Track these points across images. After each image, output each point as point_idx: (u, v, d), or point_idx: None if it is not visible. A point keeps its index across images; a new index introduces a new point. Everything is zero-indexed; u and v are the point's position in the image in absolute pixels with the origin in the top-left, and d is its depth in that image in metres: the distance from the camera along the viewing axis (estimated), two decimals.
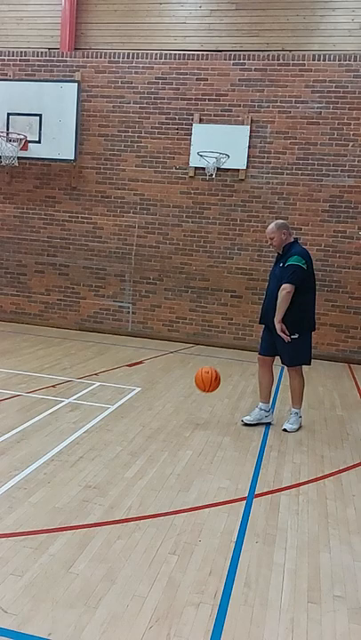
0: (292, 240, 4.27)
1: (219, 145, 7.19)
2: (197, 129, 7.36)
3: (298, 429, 4.31)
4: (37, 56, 7.76)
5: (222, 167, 7.28)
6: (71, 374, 5.47)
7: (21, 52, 7.80)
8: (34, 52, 7.78)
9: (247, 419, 4.35)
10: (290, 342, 4.12)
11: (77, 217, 7.95)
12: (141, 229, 7.78)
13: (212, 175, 7.29)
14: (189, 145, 7.41)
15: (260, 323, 4.48)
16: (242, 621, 2.07)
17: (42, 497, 2.89)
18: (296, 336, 4.13)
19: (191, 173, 7.49)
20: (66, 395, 4.74)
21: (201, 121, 7.38)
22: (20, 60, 7.81)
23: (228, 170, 7.34)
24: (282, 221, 4.32)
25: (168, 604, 2.13)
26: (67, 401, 4.57)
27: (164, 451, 3.68)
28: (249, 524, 2.81)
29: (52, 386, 4.99)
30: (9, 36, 7.96)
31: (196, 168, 7.44)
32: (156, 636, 1.96)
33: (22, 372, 5.36)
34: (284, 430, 4.27)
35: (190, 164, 7.44)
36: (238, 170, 7.32)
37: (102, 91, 7.63)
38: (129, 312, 7.93)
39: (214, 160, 7.19)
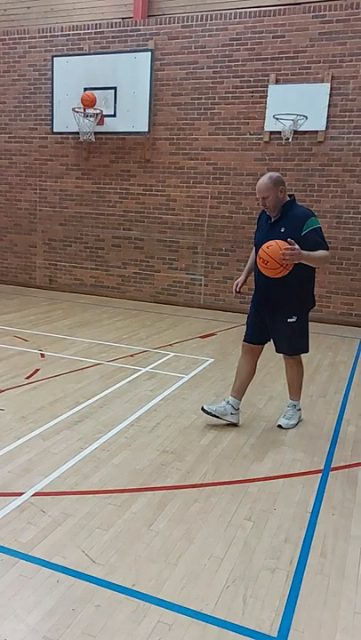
0: (289, 198, 3.41)
1: (296, 106, 6.82)
2: (273, 90, 7.02)
3: (296, 425, 3.71)
4: (111, 27, 7.76)
5: (300, 130, 6.92)
6: (147, 345, 5.65)
7: (96, 24, 7.84)
8: (108, 23, 7.78)
9: (209, 407, 3.64)
10: (288, 328, 3.46)
11: (151, 190, 8.02)
12: (214, 199, 7.68)
13: (288, 139, 6.96)
14: (265, 108, 7.11)
15: (257, 305, 3.66)
16: (318, 590, 2.10)
17: (123, 459, 3.08)
18: (294, 319, 3.45)
19: (266, 138, 7.21)
20: (143, 364, 4.92)
21: (277, 81, 7.03)
22: (95, 33, 7.85)
23: (305, 132, 6.97)
24: (277, 174, 3.38)
25: (244, 566, 2.21)
26: (144, 370, 4.75)
27: (239, 421, 3.73)
28: (325, 496, 2.80)
29: (130, 355, 5.20)
30: (84, 9, 8.02)
31: (271, 132, 7.14)
32: (233, 595, 2.04)
33: (103, 342, 5.63)
34: (280, 427, 3.63)
35: (265, 129, 7.14)
36: (317, 132, 6.93)
37: (175, 58, 7.50)
38: (201, 284, 7.96)
39: (291, 123, 6.85)
